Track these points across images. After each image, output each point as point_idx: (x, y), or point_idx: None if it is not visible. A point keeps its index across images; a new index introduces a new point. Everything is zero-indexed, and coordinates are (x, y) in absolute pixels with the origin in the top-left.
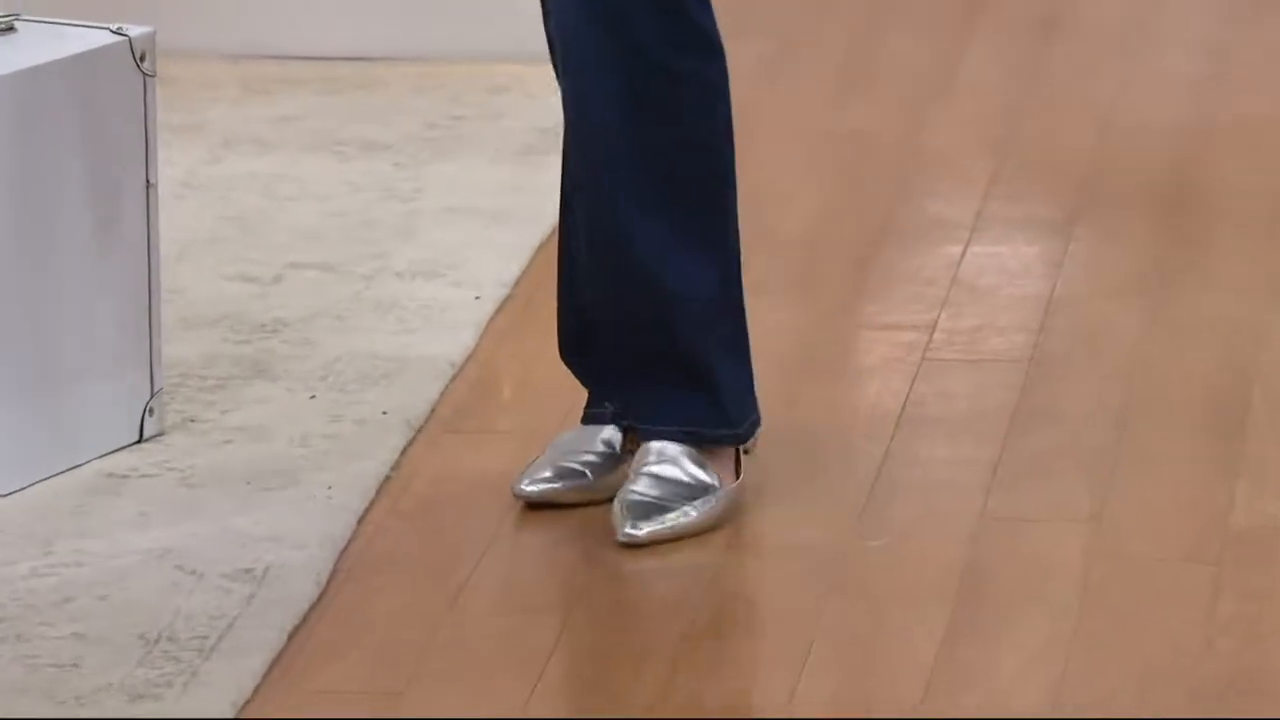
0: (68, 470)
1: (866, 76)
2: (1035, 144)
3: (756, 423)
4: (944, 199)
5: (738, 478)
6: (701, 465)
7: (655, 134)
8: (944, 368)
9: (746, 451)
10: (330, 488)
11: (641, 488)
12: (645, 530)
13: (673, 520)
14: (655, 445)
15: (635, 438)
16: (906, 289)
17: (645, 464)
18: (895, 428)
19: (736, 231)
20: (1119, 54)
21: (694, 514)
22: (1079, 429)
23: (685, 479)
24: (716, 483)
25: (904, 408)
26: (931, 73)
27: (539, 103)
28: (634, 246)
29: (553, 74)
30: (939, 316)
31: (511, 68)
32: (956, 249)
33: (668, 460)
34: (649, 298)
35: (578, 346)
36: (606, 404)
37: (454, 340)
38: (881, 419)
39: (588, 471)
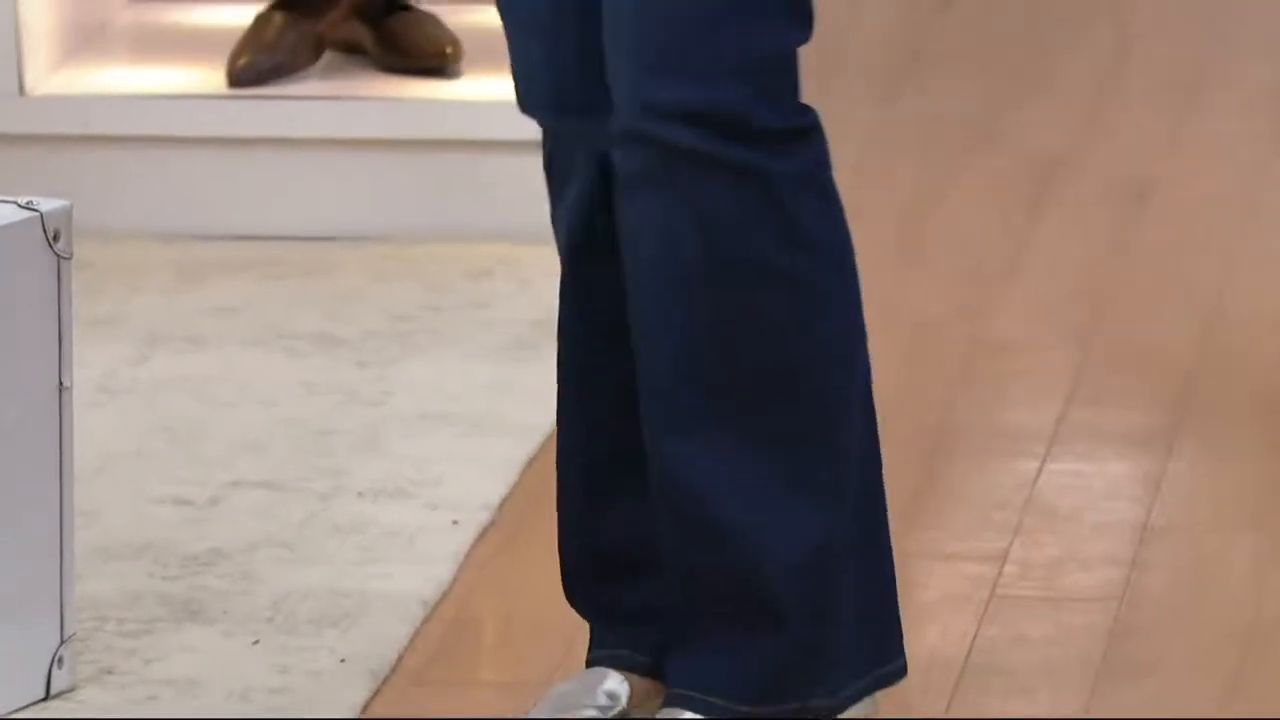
0: None
1: (923, 253)
2: (1126, 338)
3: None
4: (1016, 403)
5: None
6: None
7: (730, 344)
8: (1017, 606)
9: None
10: None
11: None
12: None
13: None
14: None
15: (650, 691)
16: (972, 511)
17: None
18: (959, 678)
19: (856, 475)
20: (1225, 229)
21: None
22: (1180, 683)
23: None
24: None
25: (969, 654)
26: (1000, 249)
27: (529, 289)
28: (698, 487)
29: (546, 256)
30: (1011, 545)
31: (496, 248)
32: (1032, 464)
33: None
34: (714, 551)
35: (595, 577)
36: (629, 651)
37: (426, 574)
38: (943, 668)
39: None
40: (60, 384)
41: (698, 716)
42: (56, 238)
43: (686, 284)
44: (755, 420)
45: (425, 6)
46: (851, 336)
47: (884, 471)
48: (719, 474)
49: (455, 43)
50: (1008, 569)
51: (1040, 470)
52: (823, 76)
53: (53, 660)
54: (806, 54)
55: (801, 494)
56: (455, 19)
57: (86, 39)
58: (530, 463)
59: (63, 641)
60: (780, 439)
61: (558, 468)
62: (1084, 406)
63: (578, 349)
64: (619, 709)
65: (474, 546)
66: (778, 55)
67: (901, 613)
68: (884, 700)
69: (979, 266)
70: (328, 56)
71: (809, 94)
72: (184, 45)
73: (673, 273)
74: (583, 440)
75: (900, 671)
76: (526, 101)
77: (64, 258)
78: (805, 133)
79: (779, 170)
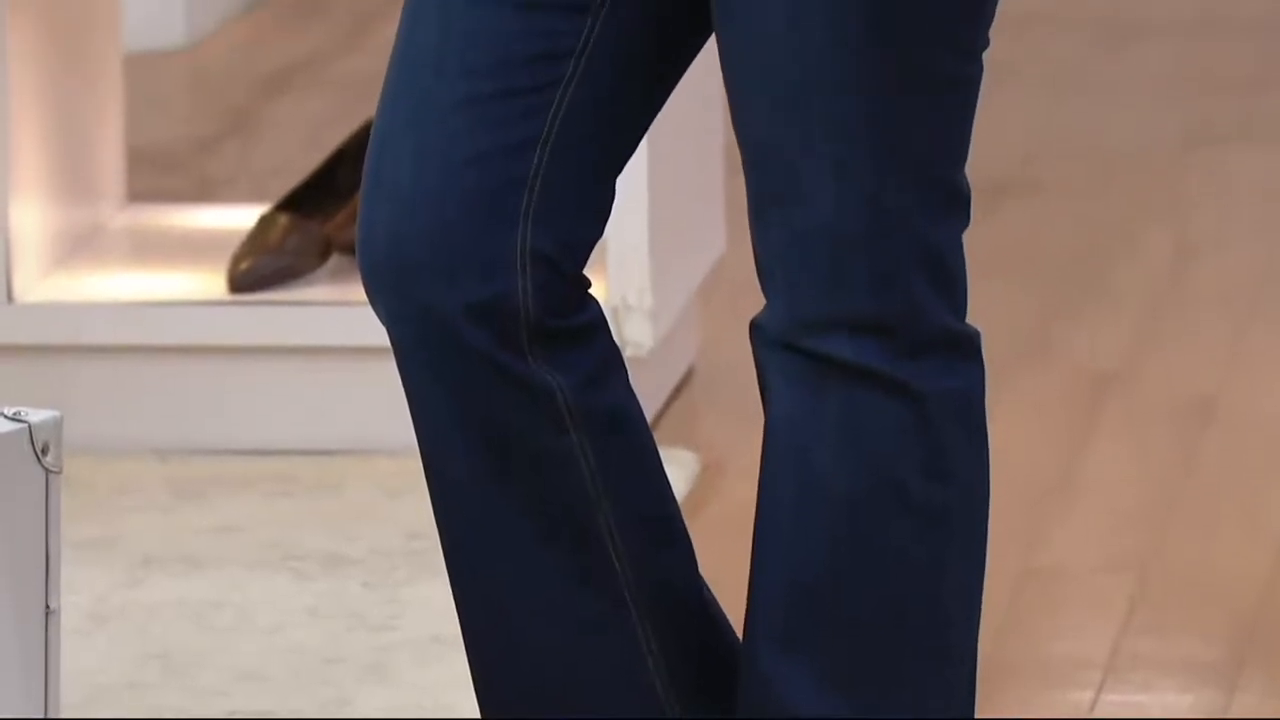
0: None
1: None
2: (1186, 563)
3: None
4: (1069, 631)
5: None
6: None
7: (852, 571)
8: None
9: None
10: None
11: None
12: None
13: None
14: None
15: None
16: None
17: None
18: None
19: None
20: None
21: None
22: None
23: None
24: None
25: None
26: (1051, 469)
27: None
28: (789, 711)
29: None
30: None
31: None
32: (1087, 695)
33: None
34: None
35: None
36: None
37: None
38: None
39: None
40: (47, 608)
41: None
42: (45, 451)
43: (816, 499)
44: (863, 655)
45: None
46: (977, 582)
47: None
48: (814, 703)
49: None
50: None
51: (1095, 702)
52: None
53: None
54: None
55: None
56: None
57: (79, 243)
58: None
59: None
60: (885, 678)
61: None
62: (1142, 635)
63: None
64: None
65: None
66: (949, 249)
67: None
68: None
69: (1029, 487)
70: (335, 259)
71: None
72: (183, 249)
73: (805, 484)
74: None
75: None
76: (402, 277)
77: (53, 472)
78: (969, 348)
79: (936, 390)
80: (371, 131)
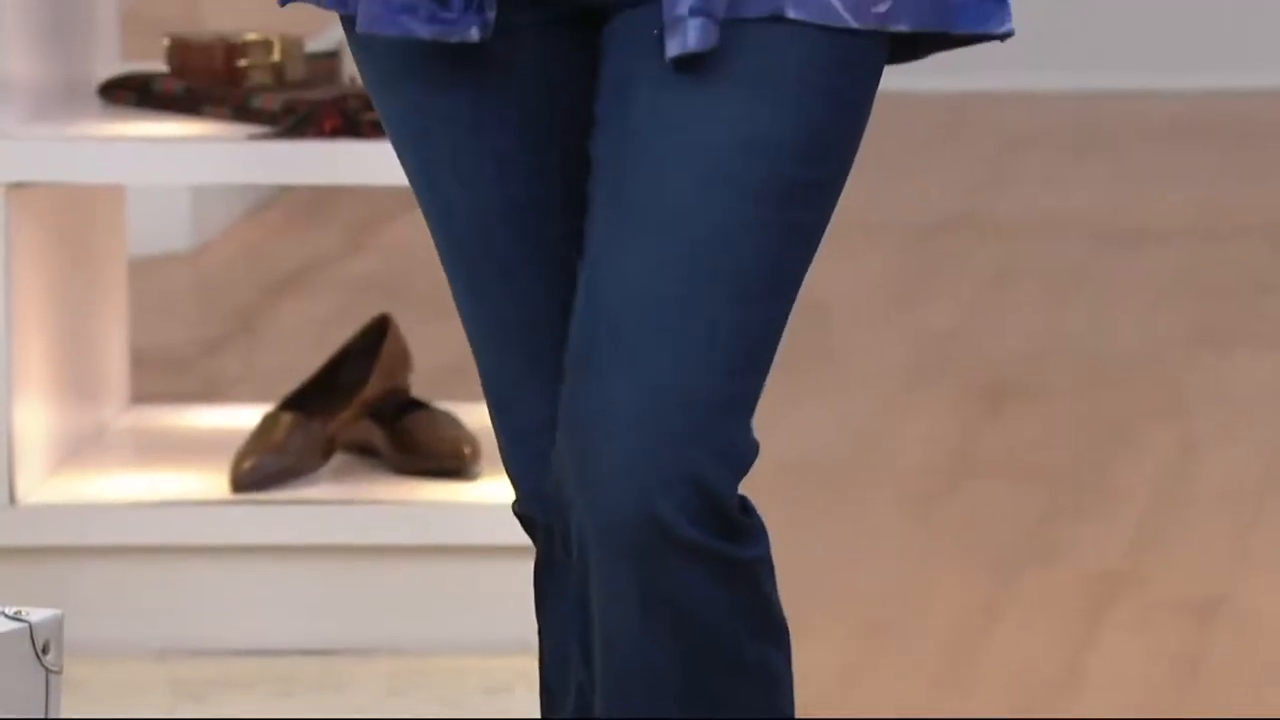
0: None
1: (969, 679)
2: None
3: None
4: None
5: None
6: None
7: None
8: None
9: None
10: None
11: None
12: None
13: None
14: None
15: None
16: None
17: None
18: None
19: None
20: None
21: None
22: None
23: None
24: None
25: None
26: (1055, 672)
27: None
28: None
29: None
30: None
31: (517, 661)
32: None
33: None
34: None
35: None
36: None
37: None
38: None
39: None
40: None
41: None
42: (46, 650)
43: (654, 684)
44: None
45: (441, 405)
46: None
47: None
48: None
49: (473, 442)
50: None
51: None
52: (859, 485)
53: None
54: (841, 462)
55: None
56: (473, 417)
57: (83, 444)
58: None
59: None
60: None
61: None
62: None
63: None
64: None
65: None
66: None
67: None
68: None
69: (1035, 687)
70: (338, 458)
71: (843, 505)
72: (186, 449)
73: (649, 679)
74: None
75: None
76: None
77: (53, 672)
78: (757, 516)
79: (753, 558)
80: (495, 394)
